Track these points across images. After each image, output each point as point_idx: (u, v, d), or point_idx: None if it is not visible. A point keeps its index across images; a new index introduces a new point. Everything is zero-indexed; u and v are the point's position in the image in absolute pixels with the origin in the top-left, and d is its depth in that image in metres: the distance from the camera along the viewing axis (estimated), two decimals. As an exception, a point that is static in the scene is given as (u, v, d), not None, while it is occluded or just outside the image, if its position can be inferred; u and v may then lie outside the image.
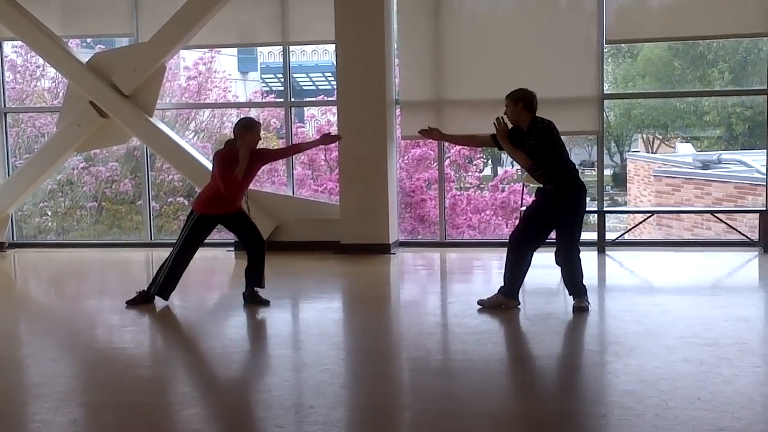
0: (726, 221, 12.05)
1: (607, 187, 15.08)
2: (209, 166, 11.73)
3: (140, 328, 7.75)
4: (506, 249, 7.83)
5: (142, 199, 13.16)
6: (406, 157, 14.33)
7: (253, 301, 8.26)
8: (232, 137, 8.14)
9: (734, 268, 10.23)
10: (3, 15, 11.97)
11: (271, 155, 8.79)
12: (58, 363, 6.58)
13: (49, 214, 15.25)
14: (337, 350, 6.72)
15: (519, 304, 7.80)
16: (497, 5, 11.53)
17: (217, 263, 11.25)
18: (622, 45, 20.17)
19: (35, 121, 14.97)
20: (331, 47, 12.79)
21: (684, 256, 11.09)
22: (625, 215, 17.92)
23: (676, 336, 6.64)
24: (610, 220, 13.04)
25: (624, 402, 5.09)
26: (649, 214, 14.53)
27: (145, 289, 8.34)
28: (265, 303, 8.25)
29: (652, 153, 25.25)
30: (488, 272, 10.46)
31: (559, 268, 7.78)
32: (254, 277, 8.32)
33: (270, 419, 4.96)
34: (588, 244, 11.61)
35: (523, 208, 9.35)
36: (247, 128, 8.01)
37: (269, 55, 20.48)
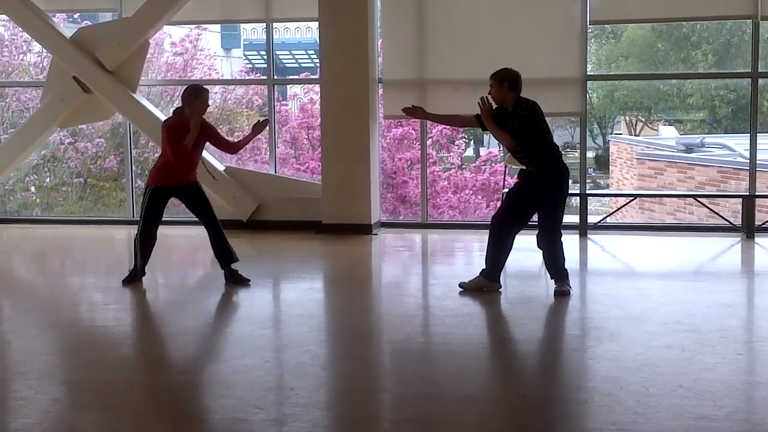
0: (709, 206, 12.08)
1: (589, 170, 15.11)
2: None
3: (122, 307, 7.73)
4: (488, 231, 7.83)
5: (125, 176, 13.09)
6: (388, 137, 14.31)
7: (233, 280, 8.25)
8: (180, 105, 8.07)
9: (717, 254, 10.26)
10: (-15, -12, 11.89)
11: (217, 137, 8.49)
12: (40, 340, 6.56)
13: (34, 189, 15.15)
14: (318, 331, 6.72)
15: (500, 287, 7.81)
16: (482, -15, 11.49)
17: (199, 241, 11.19)
18: (606, 26, 20.19)
19: (20, 96, 14.85)
20: (315, 24, 12.73)
21: (666, 240, 11.13)
22: (607, 198, 17.97)
23: (658, 322, 6.67)
24: (593, 203, 13.09)
25: (605, 388, 5.12)
26: (632, 198, 14.58)
27: (134, 267, 8.33)
28: (246, 282, 8.23)
29: (635, 135, 25.29)
30: (470, 254, 10.47)
31: (541, 252, 7.78)
32: (223, 254, 8.29)
33: (250, 400, 4.96)
34: (570, 227, 11.63)
35: (506, 190, 9.34)
36: (194, 95, 7.94)
37: (252, 31, 20.38)
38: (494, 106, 7.57)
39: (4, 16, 13.33)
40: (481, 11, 11.35)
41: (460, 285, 7.85)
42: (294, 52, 21.47)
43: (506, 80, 7.48)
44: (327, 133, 11.38)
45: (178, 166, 7.97)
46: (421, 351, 6.26)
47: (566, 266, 7.76)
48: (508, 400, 5.13)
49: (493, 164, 15.27)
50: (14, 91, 14.86)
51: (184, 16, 12.07)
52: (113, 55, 11.73)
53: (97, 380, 5.50)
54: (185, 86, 8.19)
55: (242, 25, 19.44)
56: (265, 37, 12.52)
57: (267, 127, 8.82)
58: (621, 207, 14.03)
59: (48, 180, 15.15)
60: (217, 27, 18.72)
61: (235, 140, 8.70)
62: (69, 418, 4.90)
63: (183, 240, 11.31)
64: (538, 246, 7.76)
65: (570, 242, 10.58)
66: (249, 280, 8.25)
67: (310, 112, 14.79)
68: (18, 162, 12.91)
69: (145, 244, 8.20)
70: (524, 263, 8.99)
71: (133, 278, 8.27)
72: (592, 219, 11.70)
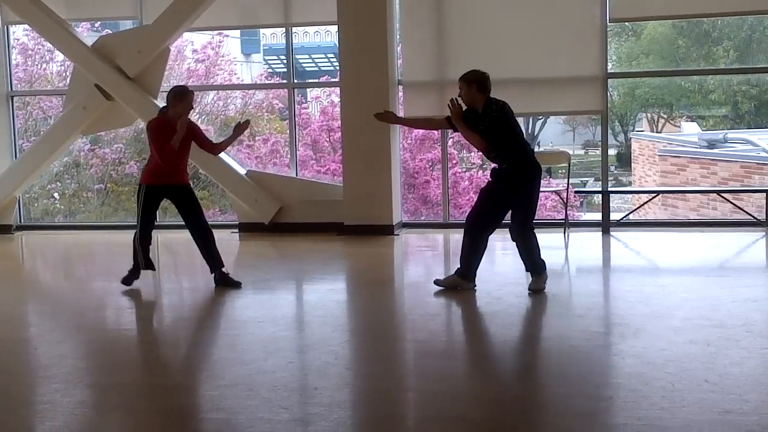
0: (732, 201, 12.02)
1: (611, 167, 15.05)
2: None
3: (146, 310, 7.79)
4: (462, 230, 7.83)
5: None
6: (409, 138, 14.31)
7: (223, 283, 8.26)
8: (166, 105, 8.11)
9: (741, 249, 10.22)
10: (9, -1, 12.01)
11: (201, 137, 8.45)
12: (65, 344, 6.60)
13: (56, 196, 15.26)
14: (341, 332, 6.74)
15: (475, 286, 7.81)
16: (501, -15, 11.46)
17: (221, 245, 11.24)
18: (626, 23, 20.11)
19: (43, 104, 14.97)
20: (334, 28, 12.75)
21: (690, 236, 11.07)
22: (629, 195, 17.90)
23: (683, 317, 6.65)
24: (615, 201, 13.03)
25: (630, 384, 5.10)
26: (654, 194, 14.50)
27: (132, 267, 8.34)
28: (237, 285, 8.26)
29: (656, 132, 25.17)
30: (492, 253, 10.41)
31: (516, 244, 7.74)
32: (213, 259, 8.30)
33: (275, 400, 4.97)
34: (593, 224, 11.67)
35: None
36: (179, 97, 7.97)
37: (272, 36, 20.45)
38: (464, 107, 7.59)
39: (26, 26, 13.42)
40: (500, 11, 11.33)
41: (435, 282, 7.91)
42: (313, 55, 21.54)
43: (475, 82, 7.49)
44: (348, 135, 11.40)
45: (166, 166, 8.00)
46: (444, 350, 6.25)
47: (541, 257, 7.73)
48: (532, 397, 5.12)
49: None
50: (37, 100, 14.99)
51: (204, 22, 12.14)
52: (134, 63, 11.80)
53: (121, 383, 5.54)
54: (171, 88, 8.18)
55: (261, 30, 19.51)
56: (284, 41, 12.56)
57: (248, 129, 8.79)
58: (644, 204, 13.96)
59: (70, 187, 15.25)
60: (237, 32, 18.82)
61: (218, 141, 8.72)
62: (95, 421, 4.93)
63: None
64: (512, 238, 7.71)
65: (593, 239, 10.61)
66: (240, 283, 8.27)
67: (331, 115, 14.82)
68: (41, 170, 13.01)
69: (144, 246, 8.23)
70: (547, 261, 8.94)
71: (132, 277, 8.30)
72: (614, 216, 11.67)
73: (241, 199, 11.90)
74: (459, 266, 7.83)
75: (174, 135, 7.87)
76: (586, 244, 10.47)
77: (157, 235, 11.69)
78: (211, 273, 8.32)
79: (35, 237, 12.47)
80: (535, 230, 7.70)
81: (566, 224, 11.14)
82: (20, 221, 13.05)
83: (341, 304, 7.95)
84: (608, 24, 11.30)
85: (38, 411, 5.07)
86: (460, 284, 7.78)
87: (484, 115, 7.47)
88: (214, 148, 8.58)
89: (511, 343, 6.45)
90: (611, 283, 8.53)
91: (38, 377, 5.76)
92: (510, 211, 7.65)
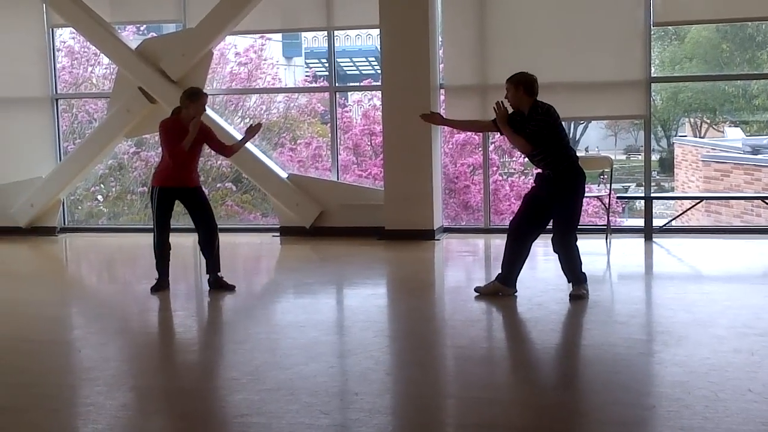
0: (776, 208, 11.89)
1: (653, 173, 14.92)
2: (256, 152, 11.84)
3: (188, 313, 7.85)
4: (506, 235, 7.81)
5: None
6: (450, 142, 14.30)
7: (217, 287, 8.31)
8: (179, 106, 8.17)
9: (784, 256, 10.09)
10: (55, 2, 12.15)
11: (213, 139, 8.50)
12: (109, 347, 6.67)
13: (100, 198, 15.42)
14: (382, 337, 6.74)
15: (516, 291, 7.78)
16: (543, -11, 11.42)
17: (263, 248, 11.33)
18: (669, 27, 19.95)
19: (88, 107, 15.14)
20: (375, 31, 12.76)
21: (733, 243, 10.93)
22: (672, 201, 17.75)
23: (726, 325, 6.57)
24: (657, 207, 12.90)
25: (673, 393, 5.05)
26: (698, 200, 14.38)
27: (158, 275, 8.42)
28: (230, 288, 8.31)
29: (700, 138, 24.94)
30: (533, 259, 10.36)
31: (557, 255, 7.70)
32: (210, 261, 8.36)
33: (316, 405, 4.98)
34: (635, 230, 11.58)
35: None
36: (191, 98, 8.03)
37: (313, 40, 20.52)
38: (510, 110, 7.55)
39: (72, 29, 13.57)
40: (542, 14, 11.31)
41: (476, 290, 7.89)
42: (355, 59, 21.59)
43: (522, 84, 7.44)
44: (389, 139, 11.41)
45: (176, 166, 8.04)
46: (485, 356, 6.24)
47: (583, 270, 7.68)
48: (573, 405, 5.09)
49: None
50: (82, 102, 15.16)
51: (246, 25, 12.22)
52: (178, 66, 11.90)
53: (163, 386, 5.59)
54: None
55: (303, 34, 19.58)
56: (326, 45, 12.60)
57: (260, 131, 8.82)
58: (687, 210, 13.83)
59: (114, 189, 15.40)
60: (279, 36, 18.91)
61: (230, 144, 8.75)
62: (137, 424, 4.97)
63: (247, 248, 11.43)
64: (554, 250, 7.66)
65: (635, 246, 10.55)
66: (234, 287, 8.32)
67: (373, 119, 14.84)
68: (86, 172, 13.14)
69: (161, 252, 8.32)
70: (589, 267, 8.89)
71: (161, 286, 8.37)
72: (657, 222, 11.57)
73: (283, 202, 11.95)
74: (500, 271, 7.80)
75: (186, 136, 7.93)
76: (628, 251, 10.39)
77: (197, 238, 11.83)
78: (207, 274, 8.39)
79: (79, 239, 12.61)
80: (578, 237, 7.65)
81: (608, 230, 11.07)
82: (64, 223, 13.21)
83: (382, 308, 7.96)
84: (652, 28, 11.23)
85: (81, 413, 5.12)
86: (501, 290, 7.75)
87: (529, 118, 7.42)
88: (226, 150, 8.67)
89: (552, 350, 6.42)
90: (654, 290, 8.46)
91: (81, 379, 5.82)
92: (552, 219, 7.60)
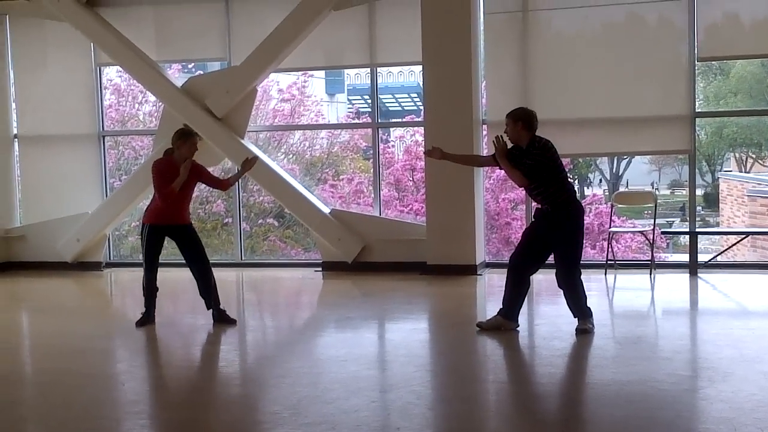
0: (823, 243, 11.72)
1: (698, 208, 14.80)
2: (299, 188, 11.91)
3: (231, 347, 7.89)
4: (506, 271, 7.86)
5: (232, 218, 13.37)
6: (492, 177, 14.29)
7: (220, 320, 8.38)
8: (170, 147, 8.25)
9: (832, 292, 9.93)
10: (102, 41, 12.39)
11: (207, 177, 8.72)
12: (152, 380, 6.71)
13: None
14: (423, 371, 6.72)
15: (518, 326, 7.82)
16: (585, 24, 11.38)
17: (305, 283, 11.36)
18: (714, 62, 19.83)
19: (134, 144, 15.35)
20: (417, 68, 12.83)
21: (780, 278, 10.81)
22: (717, 236, 17.57)
23: (772, 362, 6.49)
24: (703, 242, 12.80)
25: (719, 430, 4.99)
26: (743, 236, 14.22)
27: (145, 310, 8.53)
28: (232, 322, 8.38)
29: (745, 172, 24.71)
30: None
31: (562, 291, 7.71)
32: (209, 297, 8.43)
33: (358, 440, 4.98)
34: (680, 266, 11.46)
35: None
36: (183, 139, 8.12)
37: (356, 77, 20.66)
38: (509, 145, 7.61)
39: (119, 68, 13.79)
40: (585, 50, 11.31)
41: (478, 324, 7.92)
42: (397, 95, 21.69)
43: (521, 119, 7.55)
44: (431, 174, 11.43)
45: (167, 208, 8.12)
46: (527, 391, 6.20)
47: (588, 304, 7.67)
48: (618, 441, 5.04)
49: (597, 206, 15.09)
50: (129, 139, 15.37)
51: (290, 63, 12.37)
52: (222, 103, 12.04)
53: (205, 420, 5.62)
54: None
55: (346, 71, 19.74)
56: (368, 81, 12.69)
57: (255, 164, 8.80)
58: (733, 245, 13.69)
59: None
60: (322, 73, 19.05)
61: (225, 178, 8.84)
62: (181, 456, 4.99)
63: (290, 282, 11.47)
64: (558, 285, 7.67)
65: (680, 281, 10.44)
66: (235, 321, 8.40)
67: (415, 154, 14.89)
68: (131, 208, 13.28)
69: (150, 287, 8.46)
70: (633, 303, 8.86)
71: (146, 321, 8.46)
72: (702, 258, 11.46)
73: (325, 237, 11.99)
74: (501, 306, 7.85)
75: (177, 177, 8.01)
76: (672, 286, 10.30)
77: (242, 273, 11.91)
78: (208, 309, 8.44)
79: (123, 274, 12.73)
80: (581, 272, 7.64)
81: (652, 265, 10.99)
82: (110, 258, 13.35)
83: (424, 343, 7.94)
84: (696, 63, 11.18)
85: (126, 445, 5.16)
86: (502, 324, 7.80)
87: (527, 153, 7.50)
88: (222, 185, 8.89)
89: (596, 386, 6.36)
90: (699, 325, 8.37)
91: (125, 413, 5.86)
92: (554, 255, 7.61)
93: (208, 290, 8.46)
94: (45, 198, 13.14)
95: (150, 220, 8.32)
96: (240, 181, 12.90)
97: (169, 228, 8.36)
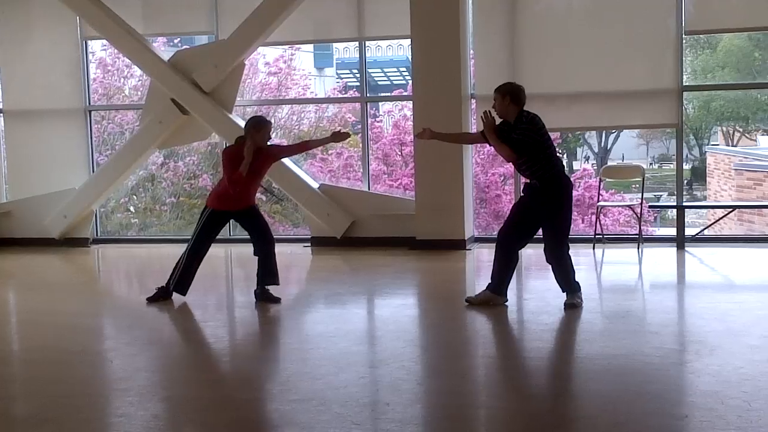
0: (810, 216, 11.77)
1: (685, 182, 14.81)
2: (287, 162, 11.86)
3: (220, 324, 7.87)
4: (495, 245, 7.83)
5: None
6: (481, 152, 14.28)
7: (263, 299, 8.29)
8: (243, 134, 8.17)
9: (819, 265, 9.98)
10: (88, 14, 12.28)
11: (282, 151, 8.84)
12: (140, 357, 6.69)
13: (132, 209, 15.52)
14: (413, 347, 6.74)
15: (506, 300, 7.82)
16: (573, -2, 11.39)
17: (294, 259, 11.35)
18: (701, 36, 19.81)
19: (120, 119, 15.26)
20: (405, 42, 12.78)
21: (766, 252, 10.85)
22: (704, 210, 17.61)
23: (760, 335, 6.52)
24: (690, 216, 12.82)
25: (706, 403, 5.02)
26: (730, 209, 14.27)
27: (164, 284, 8.42)
28: (276, 300, 8.28)
29: (732, 146, 24.76)
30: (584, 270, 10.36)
31: (550, 266, 7.71)
32: (267, 275, 8.30)
33: (347, 416, 4.98)
34: (667, 239, 11.51)
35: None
36: (256, 128, 8.02)
37: (344, 50, 20.58)
38: (497, 120, 7.58)
39: (105, 41, 13.69)
40: (574, 24, 11.30)
41: (467, 300, 7.92)
42: (386, 69, 21.62)
43: (509, 94, 7.51)
44: (420, 149, 11.41)
45: (234, 193, 8.07)
46: (516, 366, 6.22)
47: (576, 279, 7.68)
48: (606, 416, 5.04)
49: (587, 180, 15.10)
50: (113, 114, 15.27)
51: (278, 36, 12.29)
52: (210, 77, 11.98)
53: (195, 397, 5.60)
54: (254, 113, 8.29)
55: (334, 45, 19.65)
56: (357, 55, 12.64)
57: (344, 140, 8.81)
58: (719, 219, 13.72)
59: (144, 200, 15.50)
60: (310, 47, 18.98)
61: (304, 141, 8.81)
62: (170, 433, 4.99)
63: (279, 258, 11.42)
64: (546, 260, 7.68)
65: (667, 255, 10.46)
66: (279, 299, 8.29)
67: (403, 129, 14.87)
68: (117, 184, 13.24)
69: (191, 263, 8.31)
70: (621, 276, 8.88)
71: (161, 296, 8.38)
72: (689, 231, 11.49)
73: (314, 213, 11.98)
74: (490, 281, 7.83)
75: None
76: (660, 260, 10.33)
77: (230, 249, 11.89)
78: (258, 286, 8.34)
79: (111, 250, 12.70)
80: (569, 246, 7.65)
81: (640, 239, 11.01)
82: (96, 234, 13.31)
83: (413, 318, 7.95)
84: (683, 36, 11.17)
85: (113, 424, 5.14)
86: (492, 299, 7.79)
87: (515, 127, 7.48)
88: (302, 148, 8.92)
89: (584, 360, 6.38)
90: (686, 299, 8.40)
91: (113, 390, 5.85)
92: (542, 229, 7.62)
93: (269, 270, 8.27)
94: (31, 173, 13.05)
95: (213, 205, 8.23)
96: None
97: (234, 213, 8.31)
